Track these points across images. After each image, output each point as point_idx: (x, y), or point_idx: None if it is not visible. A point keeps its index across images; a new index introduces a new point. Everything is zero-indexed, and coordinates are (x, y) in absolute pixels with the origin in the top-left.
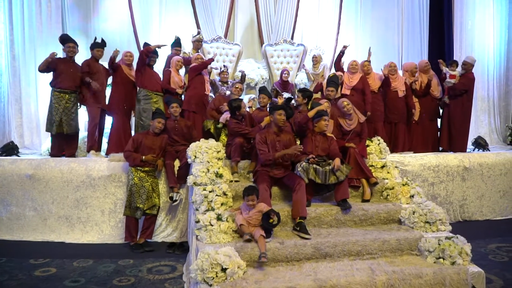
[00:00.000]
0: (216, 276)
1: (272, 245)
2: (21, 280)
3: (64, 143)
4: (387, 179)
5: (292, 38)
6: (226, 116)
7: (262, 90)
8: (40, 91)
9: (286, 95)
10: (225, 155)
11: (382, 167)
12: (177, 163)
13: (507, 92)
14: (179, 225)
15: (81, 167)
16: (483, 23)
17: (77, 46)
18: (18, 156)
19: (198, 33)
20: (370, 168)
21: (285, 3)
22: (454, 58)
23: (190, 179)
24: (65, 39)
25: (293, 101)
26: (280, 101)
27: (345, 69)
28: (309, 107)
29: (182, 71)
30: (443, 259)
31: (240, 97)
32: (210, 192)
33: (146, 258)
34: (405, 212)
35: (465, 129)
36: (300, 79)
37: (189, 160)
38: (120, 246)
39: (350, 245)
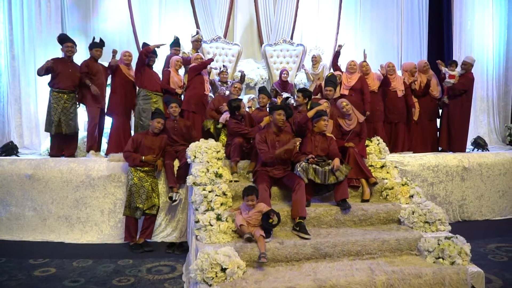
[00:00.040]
0: (216, 276)
1: (271, 245)
2: (21, 280)
3: (63, 143)
4: (386, 179)
5: (291, 38)
6: (225, 116)
7: (262, 90)
8: (39, 91)
9: (285, 95)
10: (224, 155)
11: (382, 167)
12: (176, 163)
13: (506, 92)
14: (179, 225)
15: (80, 167)
16: (482, 23)
17: (76, 45)
18: (18, 156)
19: (197, 33)
20: (369, 168)
21: (285, 3)
22: (454, 58)
23: (189, 179)
24: (63, 39)
25: (292, 101)
26: (279, 101)
27: (343, 69)
28: (308, 107)
29: (182, 71)
30: (443, 259)
31: (240, 97)
32: (209, 192)
33: (145, 258)
34: (405, 212)
35: (464, 129)
36: (300, 79)
37: (188, 160)
38: (120, 246)
39: (349, 245)
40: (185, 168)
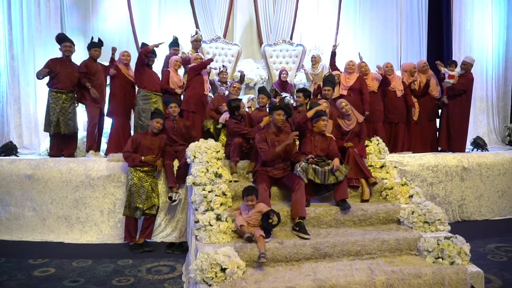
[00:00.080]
0: (216, 276)
1: (271, 245)
2: (20, 280)
3: (63, 143)
4: (386, 179)
5: (291, 38)
6: (225, 116)
7: (261, 90)
8: (39, 91)
9: (285, 95)
10: (224, 155)
11: (381, 167)
12: (176, 163)
13: (505, 92)
14: (178, 225)
15: (80, 167)
16: (482, 24)
17: (74, 45)
18: (17, 156)
19: (196, 33)
20: (369, 168)
21: (284, 3)
22: (453, 59)
23: (189, 179)
24: (61, 39)
25: (292, 101)
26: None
27: (341, 69)
28: (307, 107)
29: (181, 71)
30: (442, 259)
31: (239, 97)
32: (209, 192)
33: (145, 258)
34: (404, 212)
35: (463, 129)
36: (299, 79)
37: (188, 160)
38: (119, 246)
39: (349, 245)
40: (185, 168)
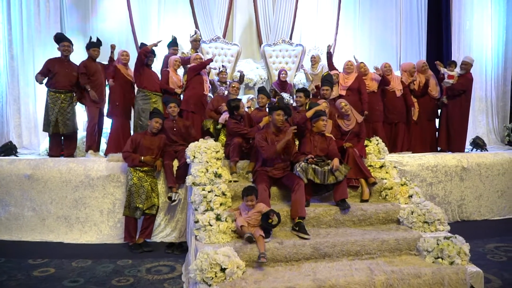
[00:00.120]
0: (215, 276)
1: (271, 245)
2: (20, 280)
3: (62, 143)
4: (385, 179)
5: (290, 38)
6: (225, 116)
7: (261, 90)
8: (38, 91)
9: (285, 95)
10: (223, 155)
11: (381, 167)
12: (175, 163)
13: (504, 92)
14: (178, 225)
15: (79, 167)
16: (481, 24)
17: (72, 45)
18: (17, 156)
19: (195, 32)
20: (368, 168)
21: (284, 3)
22: (452, 59)
23: (189, 179)
24: (59, 38)
25: (291, 101)
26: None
27: (340, 69)
28: (307, 107)
29: (181, 71)
30: (442, 259)
31: (239, 97)
32: (209, 192)
33: (145, 258)
34: (404, 212)
35: (463, 129)
36: (299, 79)
37: (188, 160)
38: (119, 246)
39: (349, 245)
40: (184, 168)
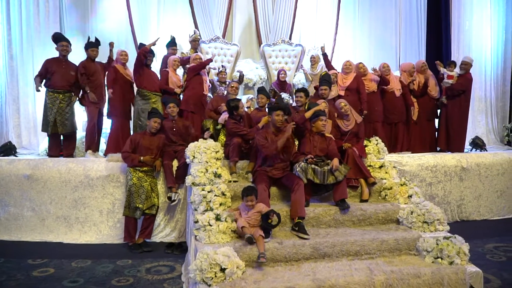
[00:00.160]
0: (215, 276)
1: (271, 245)
2: (20, 281)
3: (62, 143)
4: (385, 179)
5: (290, 38)
6: (224, 116)
7: (261, 90)
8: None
9: (284, 95)
10: (223, 155)
11: (380, 167)
12: (175, 163)
13: (504, 92)
14: (178, 225)
15: (79, 167)
16: (481, 24)
17: (70, 44)
18: (16, 156)
19: (194, 32)
20: (368, 168)
21: (283, 3)
22: (452, 59)
23: (188, 179)
24: (57, 38)
25: (291, 101)
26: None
27: (339, 69)
28: (306, 107)
29: (180, 71)
30: (441, 259)
31: (238, 97)
32: (208, 192)
33: (144, 258)
34: (403, 212)
35: (462, 129)
36: (298, 79)
37: (187, 160)
38: (119, 246)
39: (348, 245)
40: (184, 168)
